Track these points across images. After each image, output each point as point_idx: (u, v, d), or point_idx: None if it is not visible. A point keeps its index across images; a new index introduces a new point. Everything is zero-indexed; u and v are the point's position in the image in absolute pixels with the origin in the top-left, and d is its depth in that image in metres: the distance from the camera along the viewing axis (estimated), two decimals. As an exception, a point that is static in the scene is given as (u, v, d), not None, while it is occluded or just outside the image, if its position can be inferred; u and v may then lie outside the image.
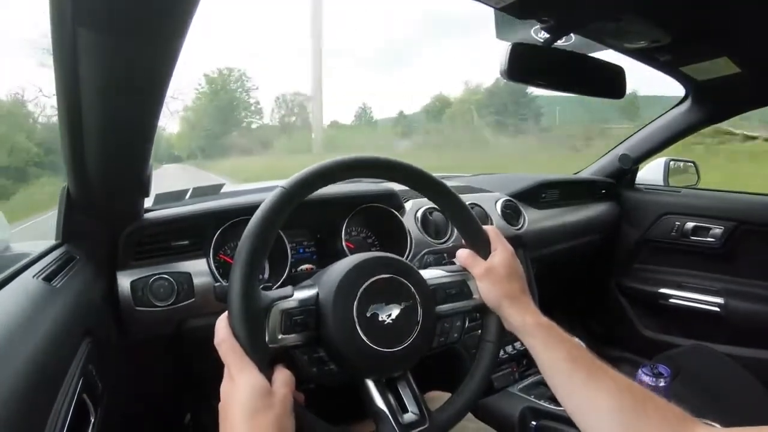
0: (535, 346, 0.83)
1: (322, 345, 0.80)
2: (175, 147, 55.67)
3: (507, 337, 0.90)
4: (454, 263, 0.96)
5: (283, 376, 0.71)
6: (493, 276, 0.89)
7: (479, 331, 0.94)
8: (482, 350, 0.91)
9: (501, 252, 0.91)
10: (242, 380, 0.67)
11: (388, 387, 0.82)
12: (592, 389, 0.75)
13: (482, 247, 0.92)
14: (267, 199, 0.75)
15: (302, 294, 0.79)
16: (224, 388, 0.70)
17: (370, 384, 0.80)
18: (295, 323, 0.76)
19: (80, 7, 0.52)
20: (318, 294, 0.80)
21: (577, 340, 0.84)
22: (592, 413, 0.74)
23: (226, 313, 0.72)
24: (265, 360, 0.70)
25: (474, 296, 0.91)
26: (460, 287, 0.92)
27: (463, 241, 0.95)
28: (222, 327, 0.71)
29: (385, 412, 0.78)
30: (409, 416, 0.80)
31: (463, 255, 0.93)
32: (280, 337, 0.75)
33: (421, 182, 0.89)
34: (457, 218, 0.94)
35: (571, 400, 0.78)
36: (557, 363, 0.80)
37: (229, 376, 0.69)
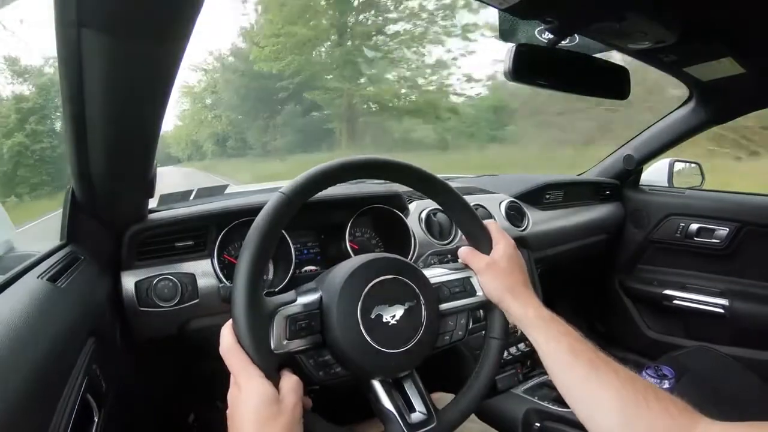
0: (537, 338, 0.83)
1: (328, 348, 0.80)
2: (173, 144, 42.65)
3: (511, 334, 0.90)
4: (457, 261, 0.97)
5: (290, 382, 0.71)
6: (495, 270, 0.89)
7: (483, 333, 0.94)
8: (488, 347, 0.92)
9: (502, 246, 0.92)
10: (250, 389, 0.67)
11: (394, 387, 0.83)
12: (594, 382, 0.75)
13: (483, 242, 0.93)
14: (267, 205, 0.75)
15: (305, 299, 0.79)
16: (231, 396, 0.70)
17: (377, 384, 0.81)
18: (300, 328, 0.77)
19: (85, 9, 0.52)
20: (321, 297, 0.80)
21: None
22: (593, 406, 0.74)
23: (230, 321, 0.72)
24: (272, 367, 0.71)
25: (478, 293, 0.92)
26: (464, 284, 0.92)
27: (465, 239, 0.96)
28: (227, 335, 0.71)
29: (392, 413, 0.79)
30: (416, 416, 0.81)
31: (464, 251, 0.94)
32: (285, 343, 0.75)
33: (421, 181, 0.90)
34: (458, 214, 0.94)
35: (573, 393, 0.78)
36: (559, 355, 0.80)
37: (236, 384, 0.69)
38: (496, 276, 0.89)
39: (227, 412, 0.70)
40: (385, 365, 0.80)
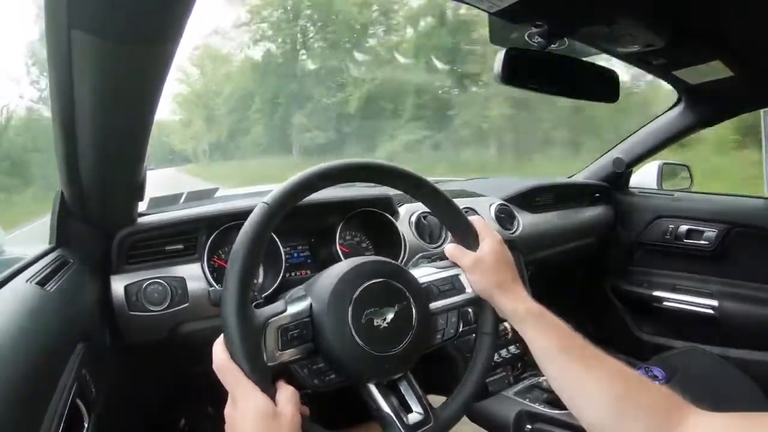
0: (527, 333, 0.84)
1: (321, 355, 0.80)
2: (178, 131, 31.87)
3: (501, 336, 0.90)
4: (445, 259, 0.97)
5: (286, 393, 0.71)
6: (482, 266, 0.89)
7: (474, 336, 0.94)
8: (480, 343, 0.92)
9: (489, 242, 0.91)
10: (247, 405, 0.67)
11: (390, 389, 0.83)
12: (584, 374, 0.76)
13: (470, 239, 0.93)
14: (251, 216, 0.75)
15: (295, 307, 0.79)
16: (228, 413, 0.69)
17: (373, 388, 0.81)
18: (292, 338, 0.76)
19: (75, 10, 0.52)
20: (311, 305, 0.80)
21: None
22: (584, 398, 0.75)
23: (222, 336, 0.72)
24: (267, 380, 0.70)
25: (467, 290, 0.92)
26: (452, 282, 0.92)
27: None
28: (219, 351, 0.71)
29: (390, 416, 0.79)
30: (413, 416, 0.81)
31: (451, 248, 0.94)
32: (278, 354, 0.75)
33: (406, 181, 0.90)
34: (442, 212, 0.94)
35: (564, 386, 0.79)
36: (550, 350, 0.81)
37: (232, 400, 0.69)
38: (484, 272, 0.89)
39: (225, 426, 0.69)
40: (379, 368, 0.80)
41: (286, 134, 24.53)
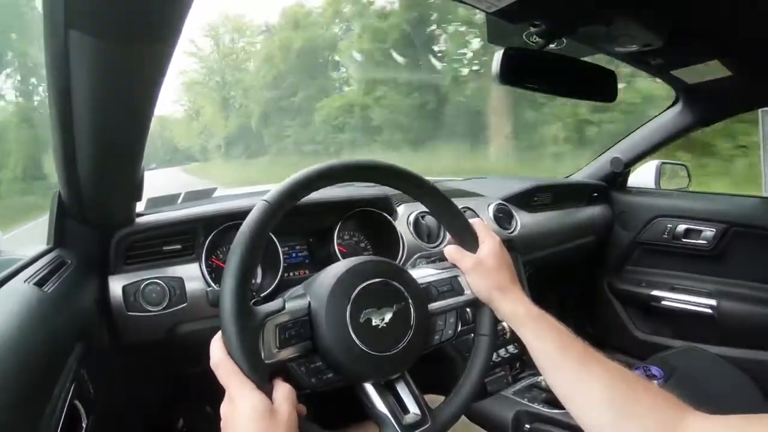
0: (527, 335, 0.84)
1: (319, 354, 0.79)
2: (183, 124, 29.42)
3: (500, 336, 0.90)
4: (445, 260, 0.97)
5: (283, 391, 0.70)
6: (482, 268, 0.89)
7: (472, 335, 0.94)
8: (478, 344, 0.92)
9: (488, 244, 0.92)
10: (243, 402, 0.66)
11: (387, 389, 0.83)
12: (584, 378, 0.76)
13: (469, 241, 0.93)
14: (250, 214, 0.75)
15: (294, 305, 0.78)
16: (225, 411, 0.69)
17: (370, 388, 0.81)
18: (290, 336, 0.76)
19: (73, 10, 0.52)
20: (310, 303, 0.79)
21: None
22: (584, 400, 0.75)
23: (219, 334, 0.71)
24: (264, 378, 0.70)
25: (465, 291, 0.92)
26: (451, 284, 0.92)
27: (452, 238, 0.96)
28: (217, 348, 0.71)
29: (387, 416, 0.79)
30: (410, 417, 0.81)
31: (451, 250, 0.94)
32: (275, 352, 0.74)
33: (406, 182, 0.90)
34: (443, 213, 0.94)
35: (564, 389, 0.79)
36: (548, 353, 0.81)
37: (228, 397, 0.69)
38: (484, 274, 0.89)
39: (221, 424, 0.69)
40: (376, 369, 0.80)
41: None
